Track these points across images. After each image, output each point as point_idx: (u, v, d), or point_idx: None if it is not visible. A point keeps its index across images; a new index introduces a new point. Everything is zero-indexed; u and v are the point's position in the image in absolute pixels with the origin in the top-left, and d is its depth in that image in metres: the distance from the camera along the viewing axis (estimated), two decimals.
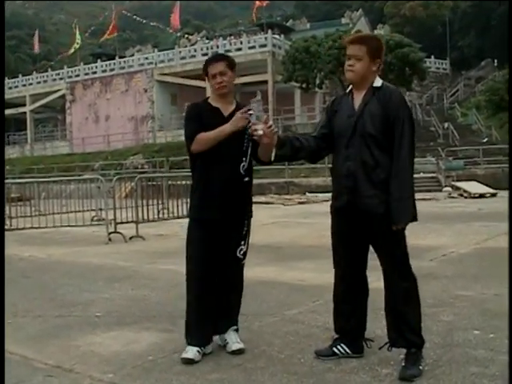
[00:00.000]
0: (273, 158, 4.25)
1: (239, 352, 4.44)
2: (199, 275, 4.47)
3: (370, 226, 4.01)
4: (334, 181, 4.23)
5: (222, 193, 4.43)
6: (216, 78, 4.49)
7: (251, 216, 4.66)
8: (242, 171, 4.51)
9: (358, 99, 4.08)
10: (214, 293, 4.54)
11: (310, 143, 4.23)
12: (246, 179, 4.55)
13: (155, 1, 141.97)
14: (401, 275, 3.98)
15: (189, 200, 4.71)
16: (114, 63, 55.90)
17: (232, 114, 4.48)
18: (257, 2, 53.75)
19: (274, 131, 4.08)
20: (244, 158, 4.51)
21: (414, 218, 3.95)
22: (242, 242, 4.58)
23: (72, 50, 65.95)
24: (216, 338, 4.62)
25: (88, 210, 17.59)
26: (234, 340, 4.53)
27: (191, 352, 4.37)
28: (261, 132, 4.04)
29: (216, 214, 4.44)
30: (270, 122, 4.09)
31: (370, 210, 3.95)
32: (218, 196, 4.43)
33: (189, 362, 4.30)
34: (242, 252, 4.58)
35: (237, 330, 4.61)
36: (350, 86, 4.19)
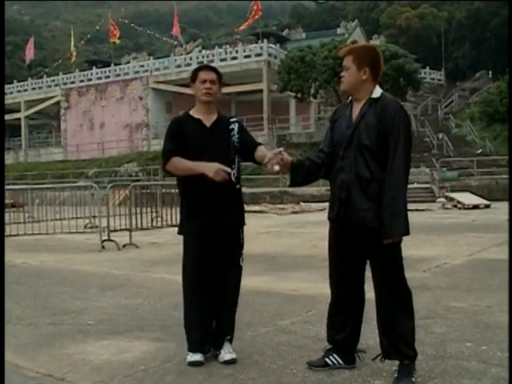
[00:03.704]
0: (289, 184, 4.31)
1: (231, 362, 4.43)
2: (197, 286, 4.51)
3: (363, 238, 4.00)
4: (330, 191, 4.23)
5: (217, 202, 4.46)
6: (206, 83, 4.55)
7: (245, 224, 4.69)
8: (233, 179, 4.54)
9: (357, 110, 4.06)
10: (211, 301, 4.57)
11: (322, 160, 4.20)
12: (238, 186, 4.61)
13: (151, 9, 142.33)
14: (394, 288, 3.97)
15: (179, 212, 4.73)
16: (110, 70, 55.90)
17: (214, 125, 4.58)
18: (253, 13, 53.58)
19: (289, 160, 4.08)
20: (233, 166, 4.55)
21: (406, 233, 3.91)
22: (242, 252, 4.63)
23: (73, 59, 66.04)
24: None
25: (81, 218, 17.56)
26: (226, 350, 4.51)
27: (196, 355, 4.43)
28: (277, 168, 4.06)
29: (213, 223, 4.46)
30: (283, 153, 4.07)
31: (365, 223, 3.94)
32: (213, 205, 4.46)
33: (198, 363, 4.39)
34: (242, 260, 4.62)
35: (230, 340, 4.60)
36: (350, 97, 4.19)
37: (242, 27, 56.48)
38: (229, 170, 4.38)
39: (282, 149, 4.16)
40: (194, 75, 4.63)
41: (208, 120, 4.60)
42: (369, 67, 4.03)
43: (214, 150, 4.49)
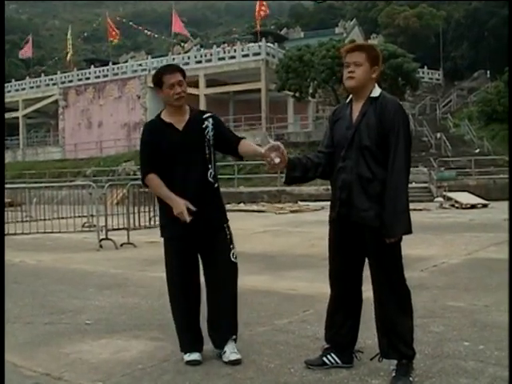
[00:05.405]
0: (284, 180, 4.31)
1: (236, 362, 4.40)
2: (182, 291, 4.56)
3: (364, 238, 4.00)
4: (331, 192, 4.23)
5: (197, 203, 4.42)
6: (175, 88, 4.46)
7: (227, 221, 4.67)
8: (210, 179, 4.53)
9: (357, 110, 4.05)
10: (198, 304, 4.61)
11: (320, 160, 4.20)
12: (216, 185, 4.59)
13: (149, 8, 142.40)
14: (394, 287, 3.97)
15: (159, 213, 4.74)
16: (108, 69, 55.91)
17: (186, 126, 4.51)
18: (261, 12, 53.73)
19: (286, 154, 4.08)
20: (210, 166, 4.53)
21: (409, 231, 3.91)
22: (231, 246, 4.59)
23: (68, 57, 66.03)
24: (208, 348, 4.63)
25: (79, 217, 17.54)
26: (231, 349, 4.49)
27: (193, 354, 4.45)
28: (278, 160, 4.06)
29: (194, 226, 4.42)
30: (281, 146, 4.08)
31: (365, 223, 3.94)
32: (194, 207, 4.42)
33: (195, 363, 4.40)
34: (234, 256, 4.59)
35: (235, 340, 4.58)
36: (350, 96, 4.18)
37: (256, 27, 56.61)
38: (193, 208, 4.36)
39: (279, 143, 4.16)
40: (158, 80, 4.51)
41: (180, 122, 4.53)
42: (378, 66, 4.05)
43: (187, 153, 4.46)
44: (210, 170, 4.53)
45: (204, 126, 4.55)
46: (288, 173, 4.20)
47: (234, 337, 4.57)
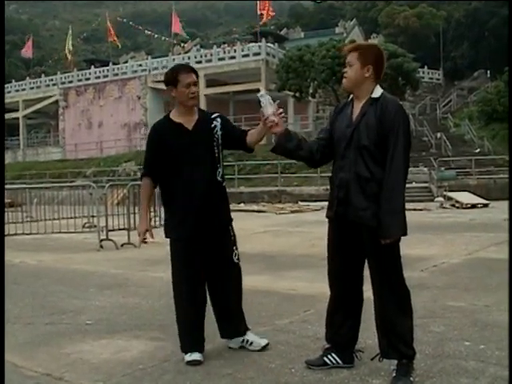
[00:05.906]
0: (273, 148, 4.32)
1: (266, 346, 4.66)
2: (189, 292, 4.54)
3: (361, 237, 4.00)
4: (330, 190, 4.23)
5: (206, 202, 4.45)
6: (191, 88, 4.48)
7: (232, 220, 4.71)
8: (219, 178, 4.58)
9: (357, 109, 4.06)
10: (204, 304, 4.62)
11: (312, 145, 4.24)
12: (224, 184, 4.65)
13: (149, 9, 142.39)
14: (393, 288, 3.96)
15: (165, 217, 4.79)
16: (108, 70, 55.92)
17: (195, 126, 4.54)
18: (268, 13, 53.61)
19: (284, 120, 4.13)
20: (218, 165, 4.58)
21: (404, 233, 3.91)
22: (234, 248, 4.63)
23: (69, 57, 66.04)
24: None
25: (80, 217, 17.54)
26: (256, 337, 4.69)
27: (194, 355, 4.46)
28: (276, 120, 4.20)
29: (204, 226, 4.46)
30: (281, 110, 4.21)
31: (362, 222, 3.93)
32: (202, 207, 4.44)
33: (196, 363, 4.41)
34: (237, 256, 4.64)
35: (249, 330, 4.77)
36: (351, 95, 4.19)
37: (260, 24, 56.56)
38: (149, 237, 4.66)
39: (276, 104, 4.30)
40: (174, 79, 4.50)
41: (189, 122, 4.55)
42: (372, 65, 4.03)
43: (197, 152, 4.48)
44: (219, 170, 4.57)
45: (213, 125, 4.60)
46: (281, 141, 4.24)
47: (249, 329, 4.76)
